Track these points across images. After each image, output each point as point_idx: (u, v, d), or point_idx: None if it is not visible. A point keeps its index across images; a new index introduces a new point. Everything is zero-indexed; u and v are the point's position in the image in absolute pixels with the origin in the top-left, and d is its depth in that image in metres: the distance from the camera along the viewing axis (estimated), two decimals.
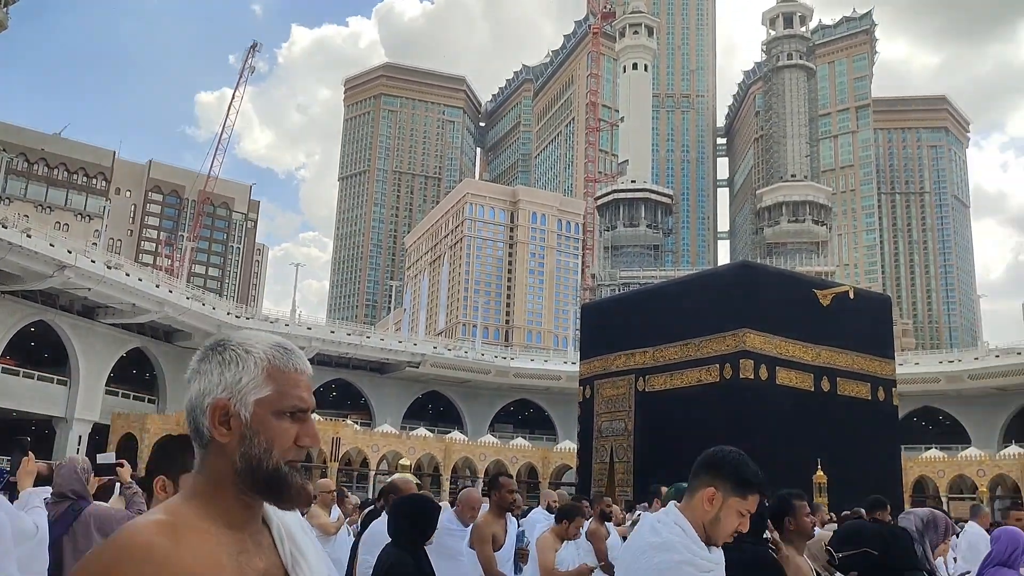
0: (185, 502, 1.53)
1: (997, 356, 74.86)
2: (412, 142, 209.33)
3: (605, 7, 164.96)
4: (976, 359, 76.24)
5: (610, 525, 9.24)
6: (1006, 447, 66.52)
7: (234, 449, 1.55)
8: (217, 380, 1.58)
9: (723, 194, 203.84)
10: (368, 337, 79.85)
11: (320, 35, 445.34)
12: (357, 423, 68.98)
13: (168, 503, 1.55)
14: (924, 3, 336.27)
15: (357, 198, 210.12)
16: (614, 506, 11.08)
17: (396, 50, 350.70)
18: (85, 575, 1.37)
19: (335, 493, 10.74)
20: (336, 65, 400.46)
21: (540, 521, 9.24)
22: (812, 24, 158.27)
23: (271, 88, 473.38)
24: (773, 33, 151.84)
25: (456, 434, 71.64)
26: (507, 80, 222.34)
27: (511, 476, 7.65)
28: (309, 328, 75.18)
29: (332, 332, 77.13)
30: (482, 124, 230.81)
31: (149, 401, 69.10)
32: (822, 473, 17.30)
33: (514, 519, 7.50)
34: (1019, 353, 74.57)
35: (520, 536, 7.39)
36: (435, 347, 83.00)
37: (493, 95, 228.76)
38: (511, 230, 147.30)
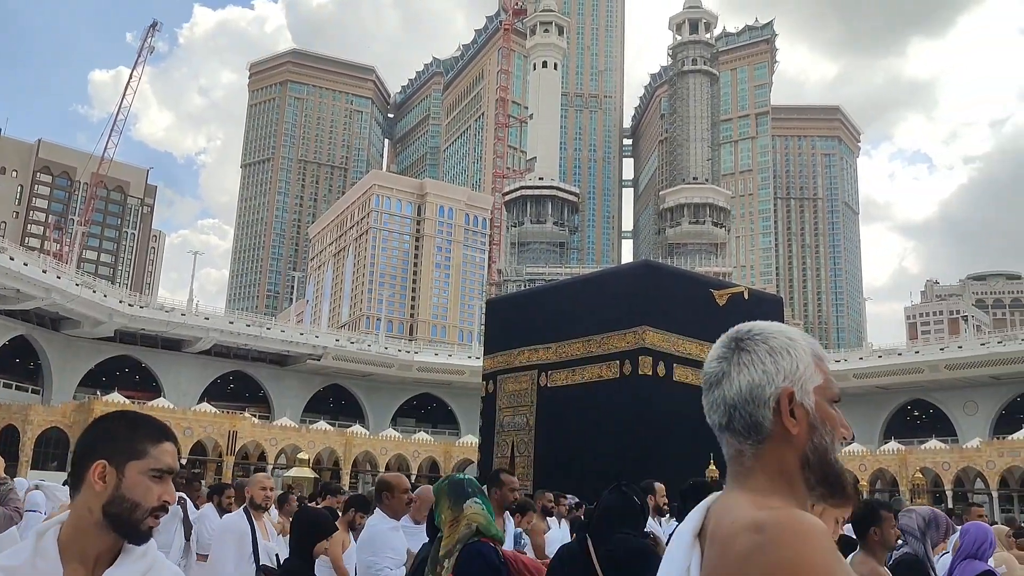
0: (768, 498, 1.40)
1: (880, 356, 78.88)
2: (319, 131, 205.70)
3: (517, 4, 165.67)
4: (861, 359, 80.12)
5: (552, 520, 9.20)
6: (886, 443, 70.13)
7: (804, 441, 1.49)
8: (774, 370, 1.51)
9: (628, 194, 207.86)
10: (268, 329, 78.14)
11: (224, 17, 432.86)
12: (255, 416, 67.46)
13: (760, 498, 1.39)
14: (823, 16, 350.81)
15: (260, 186, 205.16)
16: (565, 499, 10.91)
17: (303, 36, 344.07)
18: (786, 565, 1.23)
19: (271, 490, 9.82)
20: (240, 48, 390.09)
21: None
22: (716, 31, 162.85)
23: (171, 69, 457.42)
24: (679, 38, 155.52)
25: (357, 428, 70.88)
26: (417, 72, 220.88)
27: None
28: (206, 318, 73.02)
29: (231, 323, 75.11)
30: (391, 115, 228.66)
31: (33, 391, 65.89)
32: (714, 467, 17.90)
33: (511, 519, 7.19)
34: (899, 354, 78.79)
35: (518, 537, 7.23)
36: (337, 340, 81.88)
37: (403, 86, 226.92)
38: (418, 223, 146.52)
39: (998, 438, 63.65)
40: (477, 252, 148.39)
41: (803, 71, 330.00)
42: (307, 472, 43.57)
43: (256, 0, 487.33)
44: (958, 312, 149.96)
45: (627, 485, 4.29)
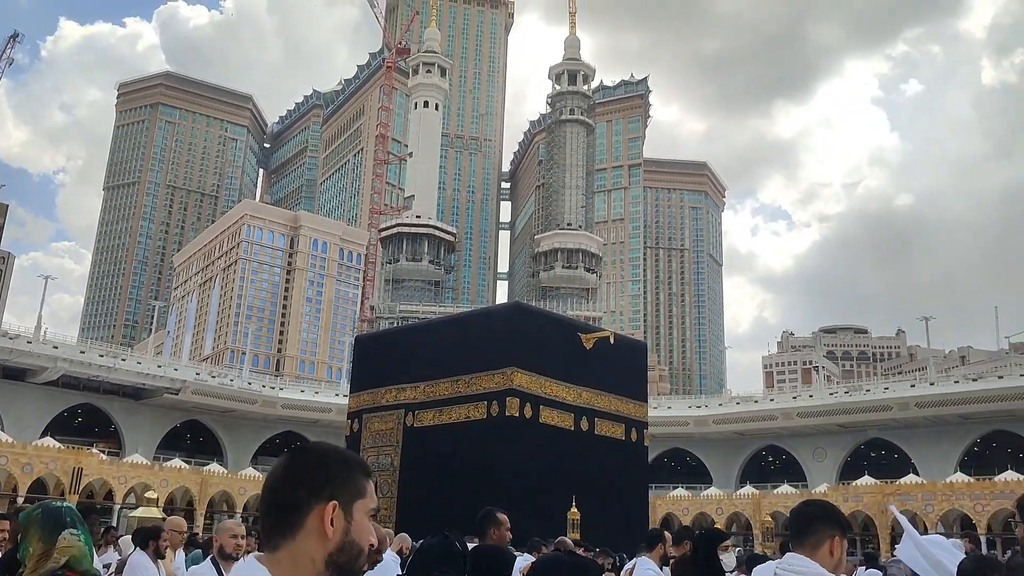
0: None
1: (738, 403, 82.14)
2: (190, 157, 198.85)
3: (400, 42, 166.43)
4: (720, 405, 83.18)
5: None
6: (742, 487, 72.74)
7: None
8: None
9: (505, 236, 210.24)
10: (123, 360, 74.04)
11: (92, 32, 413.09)
12: (104, 452, 63.45)
13: None
14: (694, 75, 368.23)
15: (124, 210, 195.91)
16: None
17: (178, 58, 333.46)
18: None
19: (184, 534, 8.81)
20: (108, 66, 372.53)
21: None
22: (594, 84, 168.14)
23: (31, 83, 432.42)
24: (558, 88, 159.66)
25: (215, 466, 67.72)
26: (296, 103, 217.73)
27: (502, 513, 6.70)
28: (55, 347, 68.51)
29: (82, 352, 70.75)
30: (267, 145, 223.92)
31: None
32: (576, 510, 17.99)
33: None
34: (756, 401, 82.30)
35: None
36: (198, 373, 78.43)
37: (281, 117, 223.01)
38: (290, 256, 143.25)
39: (843, 484, 67.12)
40: (350, 288, 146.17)
41: (674, 126, 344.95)
42: (155, 512, 41.12)
43: (128, 17, 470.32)
44: (810, 363, 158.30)
45: (451, 532, 4.32)
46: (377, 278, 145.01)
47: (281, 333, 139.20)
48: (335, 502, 1.65)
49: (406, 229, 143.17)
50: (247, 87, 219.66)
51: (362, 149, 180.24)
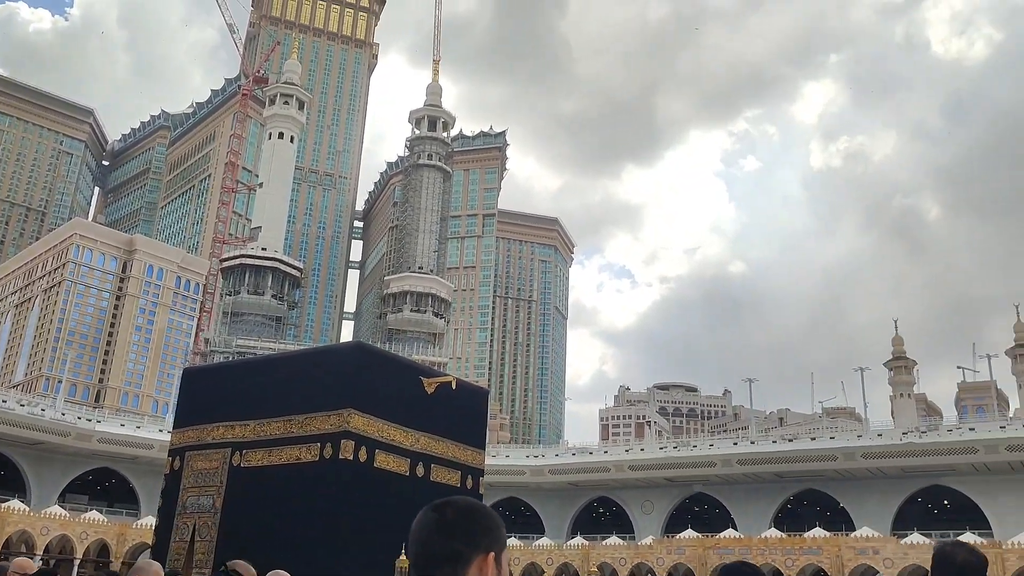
0: None
1: (574, 454, 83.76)
2: (17, 167, 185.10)
3: (259, 71, 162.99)
4: (557, 455, 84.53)
5: None
6: (573, 538, 73.78)
7: None
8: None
9: (354, 275, 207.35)
10: None
11: None
12: None
13: None
14: (551, 133, 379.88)
15: None
16: None
17: (12, 62, 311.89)
18: None
19: None
20: None
21: None
22: (454, 132, 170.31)
23: None
24: (418, 132, 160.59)
25: (16, 503, 62.14)
26: (143, 122, 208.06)
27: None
28: None
29: None
30: (106, 163, 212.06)
31: None
32: (405, 558, 17.59)
33: None
34: (591, 452, 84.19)
35: None
36: (4, 400, 72.18)
37: (124, 135, 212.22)
38: (122, 281, 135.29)
39: (668, 536, 69.37)
40: (185, 318, 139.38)
41: (530, 180, 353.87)
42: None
43: None
44: (644, 417, 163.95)
45: (230, 569, 4.14)
46: (215, 310, 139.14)
47: (105, 362, 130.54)
48: (492, 553, 1.78)
49: (250, 261, 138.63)
50: (89, 100, 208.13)
51: (210, 175, 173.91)
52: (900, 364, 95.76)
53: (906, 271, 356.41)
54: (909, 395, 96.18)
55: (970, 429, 68.70)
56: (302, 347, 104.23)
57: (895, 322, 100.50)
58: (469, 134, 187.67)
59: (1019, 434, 65.11)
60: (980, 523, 66.14)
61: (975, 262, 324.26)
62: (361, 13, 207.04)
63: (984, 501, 67.68)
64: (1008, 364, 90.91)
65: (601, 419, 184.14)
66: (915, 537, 57.96)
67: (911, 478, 70.58)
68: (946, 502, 72.26)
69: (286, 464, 21.17)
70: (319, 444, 20.61)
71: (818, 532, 60.23)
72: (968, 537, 53.54)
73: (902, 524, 68.01)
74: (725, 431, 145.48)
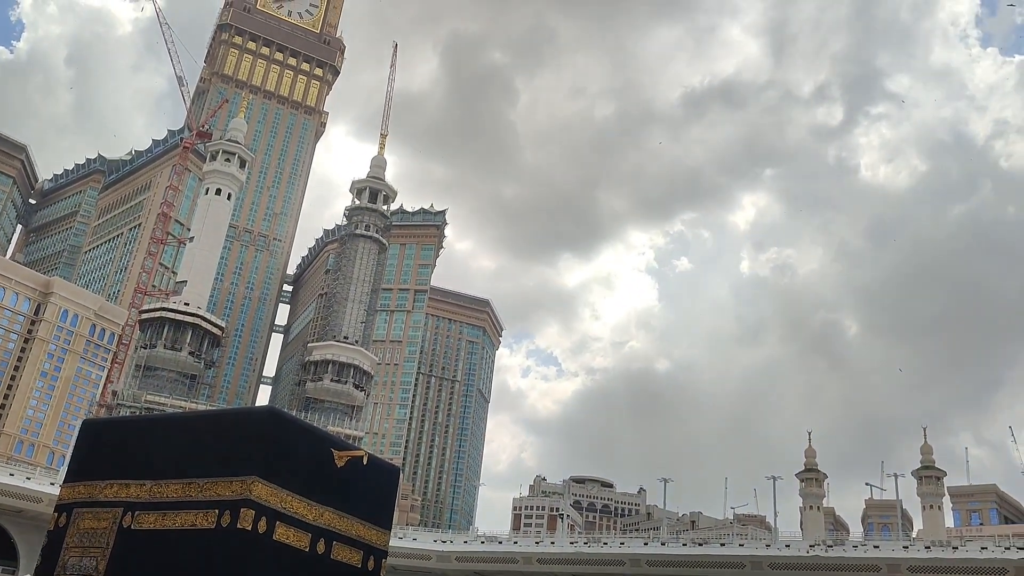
0: None
1: (483, 543, 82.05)
2: None
3: (204, 126, 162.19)
4: (465, 542, 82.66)
5: None
6: None
7: None
8: None
9: (277, 339, 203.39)
10: None
11: None
12: None
13: None
14: (491, 216, 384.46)
15: None
16: None
17: None
18: None
19: None
20: None
21: None
22: (394, 205, 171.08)
23: None
24: (358, 202, 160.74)
25: None
26: (77, 164, 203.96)
27: None
28: None
29: None
30: (32, 201, 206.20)
31: None
32: None
33: None
34: (500, 542, 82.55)
35: None
36: None
37: (56, 175, 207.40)
38: (32, 323, 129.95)
39: None
40: (95, 368, 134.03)
41: (466, 260, 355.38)
42: None
43: None
44: (557, 510, 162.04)
45: None
46: (128, 362, 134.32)
47: (2, 407, 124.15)
48: None
49: (171, 315, 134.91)
50: (23, 136, 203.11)
51: (140, 224, 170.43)
52: (811, 476, 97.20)
53: (823, 384, 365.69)
54: (819, 507, 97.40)
55: (875, 547, 69.76)
56: (214, 407, 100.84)
57: (809, 434, 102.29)
58: (409, 209, 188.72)
59: (920, 555, 66.33)
60: None
61: (889, 382, 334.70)
62: (314, 81, 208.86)
63: None
64: (914, 485, 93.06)
65: (514, 508, 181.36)
66: None
67: None
68: None
69: (180, 529, 20.13)
70: (217, 511, 19.65)
71: None
72: None
73: None
74: (638, 530, 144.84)
